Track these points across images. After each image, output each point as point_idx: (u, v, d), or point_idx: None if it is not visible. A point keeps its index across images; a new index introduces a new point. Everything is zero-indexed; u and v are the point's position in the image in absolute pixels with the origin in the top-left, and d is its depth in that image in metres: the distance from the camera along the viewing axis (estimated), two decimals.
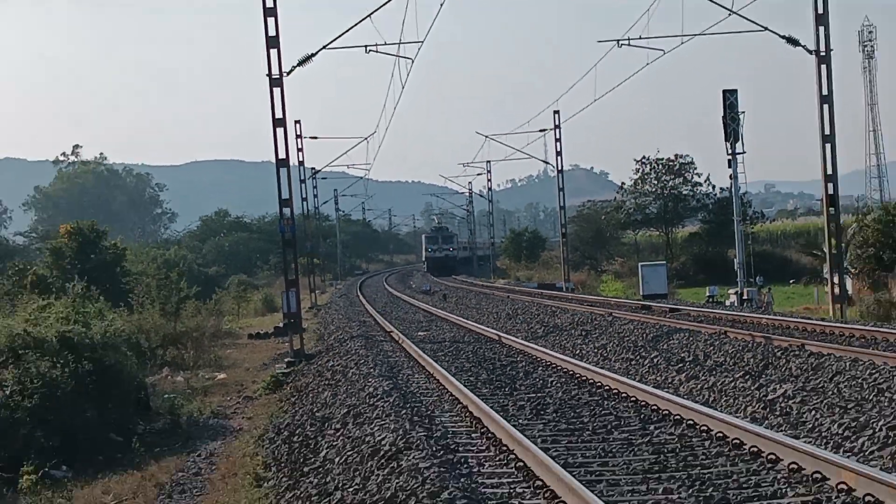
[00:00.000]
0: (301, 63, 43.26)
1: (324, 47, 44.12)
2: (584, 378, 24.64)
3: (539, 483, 14.16)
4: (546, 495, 13.62)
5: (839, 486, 12.83)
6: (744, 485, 13.63)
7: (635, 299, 59.55)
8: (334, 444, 20.05)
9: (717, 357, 26.46)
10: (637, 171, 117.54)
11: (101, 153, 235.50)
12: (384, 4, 42.00)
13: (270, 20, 40.82)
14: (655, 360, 27.74)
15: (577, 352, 31.69)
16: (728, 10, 41.15)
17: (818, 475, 13.46)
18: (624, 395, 21.59)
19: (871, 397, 18.68)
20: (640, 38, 47.16)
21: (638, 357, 28.98)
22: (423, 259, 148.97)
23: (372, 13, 41.95)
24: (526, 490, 14.13)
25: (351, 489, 15.82)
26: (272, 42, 41.10)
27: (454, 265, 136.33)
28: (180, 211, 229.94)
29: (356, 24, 42.96)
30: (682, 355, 27.71)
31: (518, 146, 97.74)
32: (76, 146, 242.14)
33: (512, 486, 14.40)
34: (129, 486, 23.80)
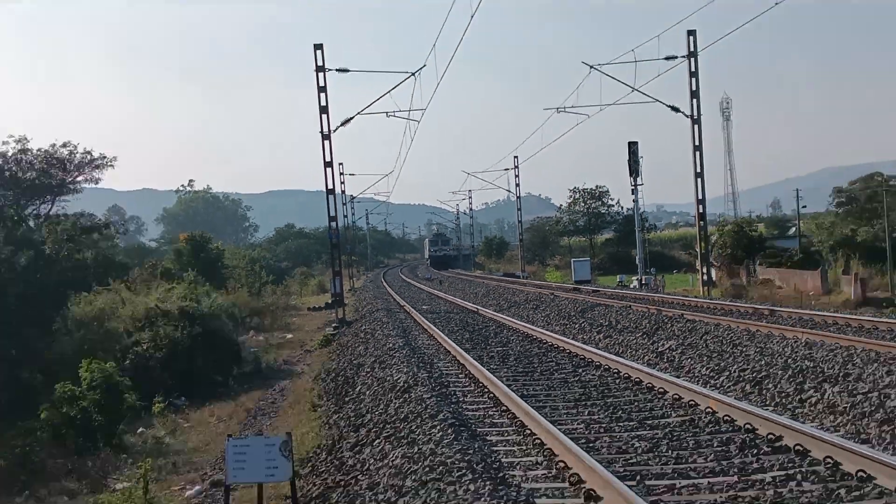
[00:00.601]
0: (342, 124, 43.13)
1: (358, 113, 44.17)
2: (535, 337, 24.59)
3: (504, 408, 14.20)
4: (508, 416, 13.65)
5: (706, 410, 12.85)
6: (642, 409, 13.66)
7: (569, 284, 59.52)
8: (366, 381, 20.03)
9: (624, 322, 26.42)
10: (570, 196, 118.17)
11: (208, 185, 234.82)
12: (398, 85, 41.95)
13: (322, 95, 40.83)
14: (583, 325, 27.69)
15: (530, 319, 31.61)
16: (631, 87, 41.11)
17: (692, 402, 13.49)
18: (562, 348, 21.55)
19: (728, 349, 18.69)
20: (573, 106, 47.19)
21: (571, 322, 28.92)
22: (427, 257, 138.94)
23: (391, 90, 41.90)
24: (494, 412, 14.17)
25: (377, 412, 15.82)
26: (323, 110, 41.06)
27: (450, 261, 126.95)
28: (261, 224, 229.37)
29: (380, 98, 42.99)
30: (601, 321, 27.66)
31: (490, 179, 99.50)
32: (191, 180, 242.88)
33: (485, 410, 14.43)
34: (227, 411, 23.84)
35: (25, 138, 42.77)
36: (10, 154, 42.19)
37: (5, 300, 29.97)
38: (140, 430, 21.65)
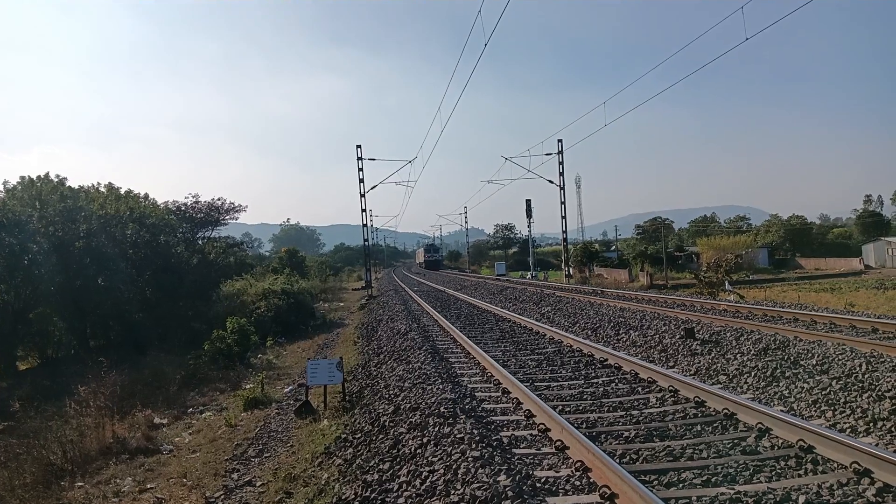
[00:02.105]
0: (371, 188, 42.99)
1: (380, 182, 44.10)
2: (476, 305, 24.59)
3: (458, 344, 14.17)
4: (460, 348, 13.63)
5: (568, 344, 12.91)
6: (534, 344, 13.67)
7: (494, 276, 59.61)
8: (383, 329, 19.98)
9: (523, 297, 26.49)
10: (495, 229, 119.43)
11: (298, 221, 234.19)
12: (401, 168, 42.33)
13: (360, 172, 40.72)
14: (500, 298, 27.70)
15: (473, 294, 31.58)
16: (527, 169, 41.35)
17: (560, 340, 13.55)
18: (489, 311, 21.56)
19: (579, 312, 18.79)
20: (496, 180, 47.34)
21: (495, 297, 28.91)
22: (422, 261, 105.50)
23: (398, 170, 42.57)
24: (453, 346, 14.10)
25: (388, 346, 15.76)
26: (360, 181, 40.90)
27: (439, 265, 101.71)
28: (327, 243, 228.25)
29: (392, 174, 43.55)
30: (511, 296, 27.71)
31: (452, 220, 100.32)
32: (288, 218, 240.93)
33: (448, 345, 14.35)
34: (307, 345, 23.69)
35: (197, 195, 42.98)
36: (188, 203, 42.05)
37: (185, 284, 29.66)
38: (259, 355, 21.51)
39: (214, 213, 43.88)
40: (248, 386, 16.08)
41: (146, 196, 33.10)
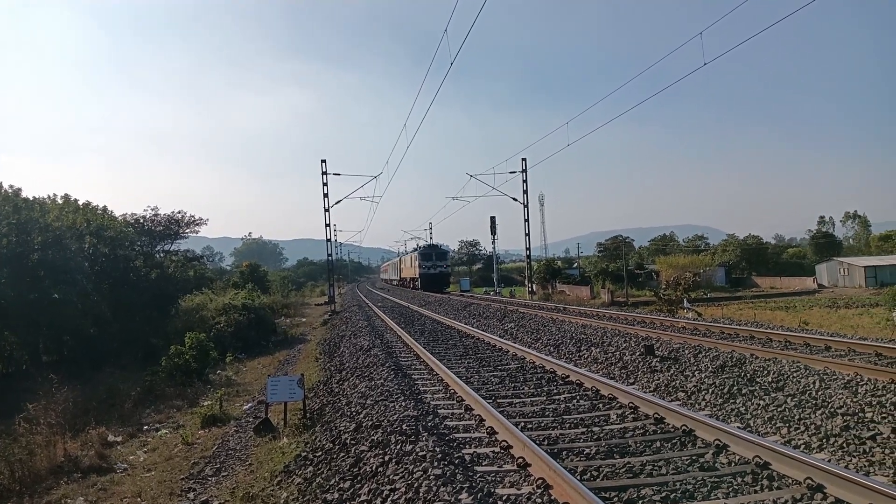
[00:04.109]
0: (336, 203, 42.74)
1: (345, 197, 43.72)
2: (440, 321, 24.47)
3: (422, 360, 14.09)
4: (423, 364, 13.56)
5: (531, 361, 12.95)
6: (497, 360, 13.65)
7: (458, 293, 59.60)
8: (346, 345, 19.79)
9: (487, 313, 26.49)
10: (459, 245, 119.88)
11: (261, 235, 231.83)
12: (366, 183, 41.97)
13: (325, 186, 40.48)
14: (464, 314, 27.65)
15: (437, 311, 31.46)
16: (492, 187, 41.79)
17: (523, 356, 13.57)
18: (453, 327, 21.49)
19: (541, 328, 18.87)
20: (461, 197, 47.78)
21: (458, 313, 28.85)
22: (412, 277, 63.30)
23: (363, 185, 41.98)
24: (416, 362, 14.02)
25: (351, 362, 15.62)
26: (325, 195, 40.68)
27: (447, 281, 60.11)
28: (290, 258, 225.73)
29: (357, 189, 43.31)
30: (475, 312, 27.68)
31: (417, 235, 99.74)
32: (250, 232, 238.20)
33: (411, 361, 14.26)
34: (268, 361, 23.36)
35: (157, 207, 42.19)
36: (147, 216, 41.18)
37: (143, 298, 28.95)
38: (218, 372, 21.13)
39: (174, 226, 43.04)
40: (206, 403, 15.74)
41: (104, 209, 32.38)
